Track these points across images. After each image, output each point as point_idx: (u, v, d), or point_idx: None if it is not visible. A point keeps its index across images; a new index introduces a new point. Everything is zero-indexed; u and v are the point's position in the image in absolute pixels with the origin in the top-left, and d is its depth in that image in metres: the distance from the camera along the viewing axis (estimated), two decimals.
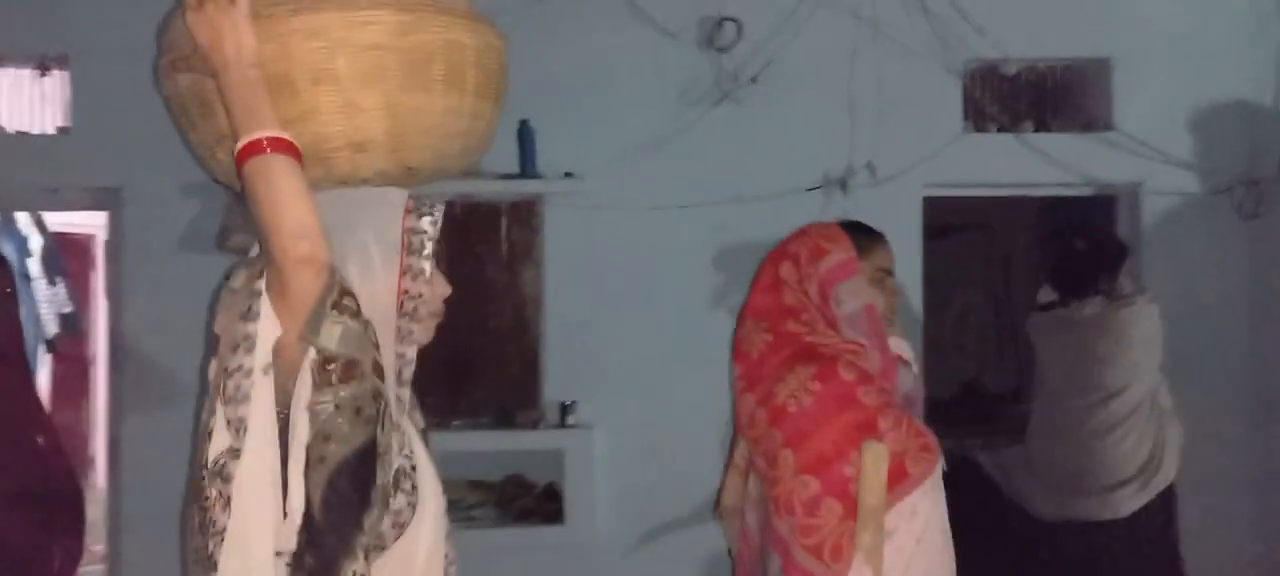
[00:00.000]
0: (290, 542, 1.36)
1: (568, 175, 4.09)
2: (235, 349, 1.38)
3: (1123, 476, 3.41)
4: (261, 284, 1.39)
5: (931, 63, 4.12)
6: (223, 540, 1.37)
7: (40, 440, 2.45)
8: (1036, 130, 4.24)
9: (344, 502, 1.36)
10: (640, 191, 4.05)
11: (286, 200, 1.35)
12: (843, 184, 4.13)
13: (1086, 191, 4.29)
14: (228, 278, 1.46)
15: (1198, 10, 4.14)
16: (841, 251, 2.44)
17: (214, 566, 1.38)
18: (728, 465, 2.64)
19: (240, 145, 1.38)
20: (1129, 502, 3.40)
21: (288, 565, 1.36)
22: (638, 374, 4.14)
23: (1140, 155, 4.11)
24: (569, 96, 4.03)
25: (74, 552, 2.48)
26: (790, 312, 2.41)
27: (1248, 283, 4.12)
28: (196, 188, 4.04)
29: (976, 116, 4.26)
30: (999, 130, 4.25)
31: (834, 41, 4.07)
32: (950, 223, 6.47)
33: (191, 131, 1.65)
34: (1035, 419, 3.63)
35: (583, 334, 4.16)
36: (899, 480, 2.23)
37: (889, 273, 2.54)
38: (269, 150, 1.36)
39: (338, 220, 1.46)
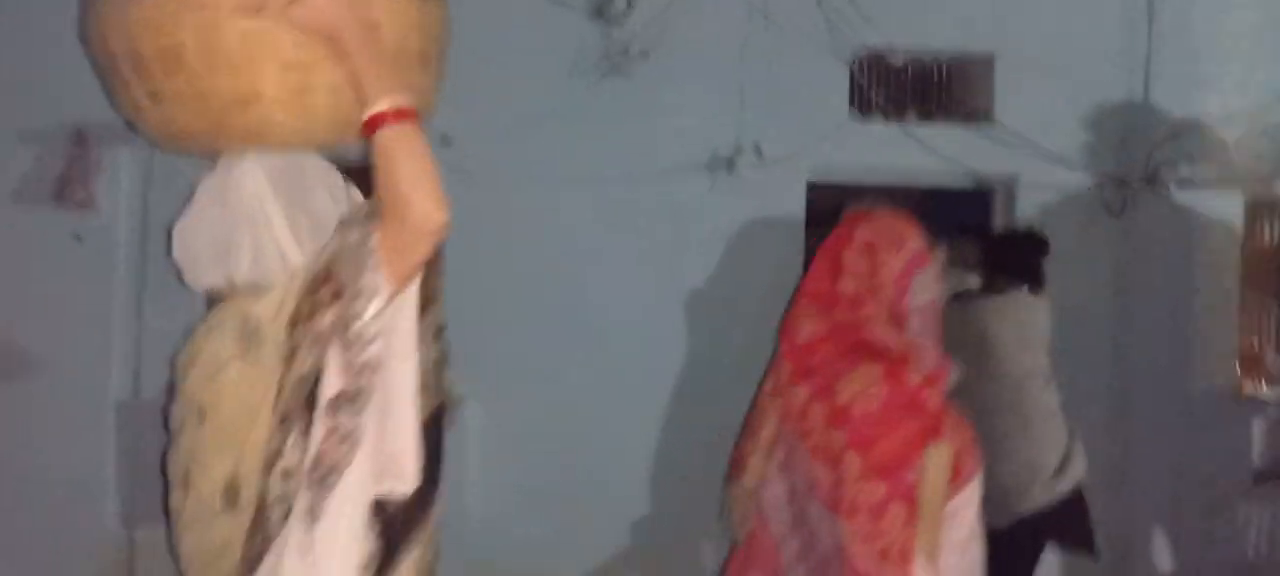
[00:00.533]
0: (411, 484, 1.49)
1: (444, 139, 4.03)
2: (358, 297, 1.44)
3: (1067, 453, 3.61)
4: (376, 241, 1.44)
5: (820, 48, 4.25)
6: (339, 474, 1.44)
7: None
8: (920, 121, 4.40)
9: (433, 448, 1.54)
10: (521, 162, 4.05)
11: (427, 169, 1.43)
12: (729, 164, 4.21)
13: (966, 183, 4.48)
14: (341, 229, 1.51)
15: (1077, 11, 4.40)
16: (916, 241, 2.37)
17: (327, 487, 1.44)
18: (748, 440, 2.55)
19: (378, 109, 1.42)
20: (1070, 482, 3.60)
21: (378, 507, 1.48)
22: (512, 352, 4.13)
23: (1017, 149, 4.33)
24: (450, 60, 3.97)
25: None
26: (847, 302, 2.34)
27: (1111, 277, 4.39)
28: (34, 134, 3.84)
29: (862, 105, 4.40)
30: (884, 119, 4.39)
31: (725, 19, 4.17)
32: (840, 209, 6.68)
33: (196, 76, 1.54)
34: (990, 405, 3.59)
35: (452, 307, 4.12)
36: (954, 477, 2.26)
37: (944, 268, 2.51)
38: (405, 120, 1.44)
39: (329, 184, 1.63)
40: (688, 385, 4.27)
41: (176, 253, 1.64)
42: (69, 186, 3.86)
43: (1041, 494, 3.59)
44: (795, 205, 4.33)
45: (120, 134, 3.81)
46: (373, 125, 1.43)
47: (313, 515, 1.44)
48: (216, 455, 1.51)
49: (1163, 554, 4.38)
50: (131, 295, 4.03)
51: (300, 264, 1.56)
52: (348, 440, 1.44)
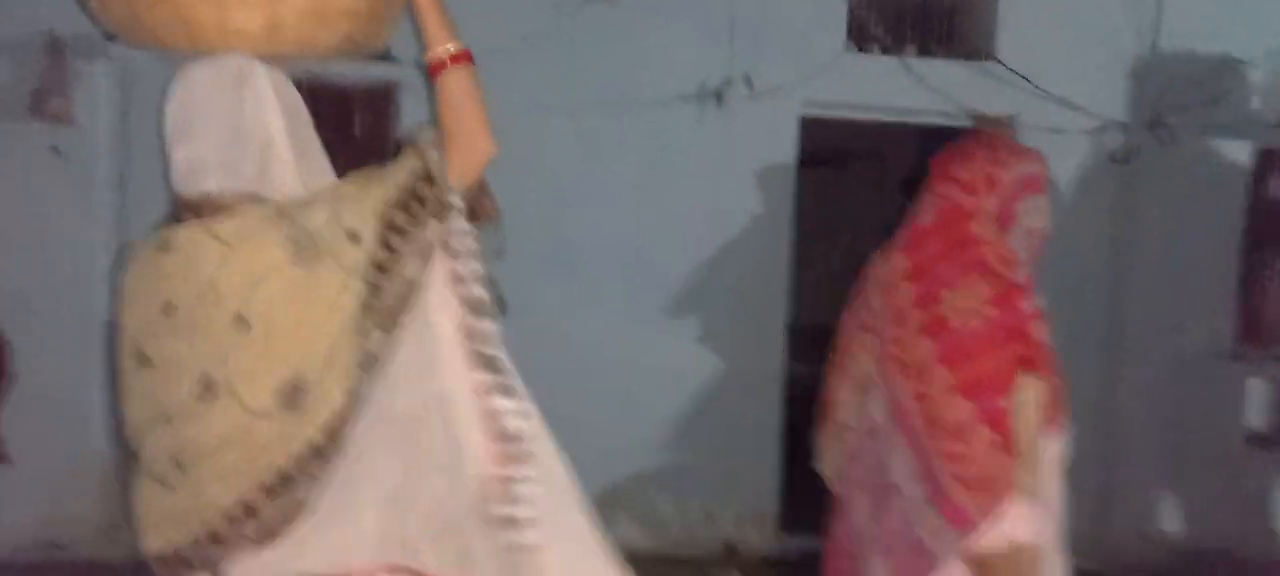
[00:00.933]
0: None
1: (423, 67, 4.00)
2: (454, 214, 1.63)
3: None
4: (449, 166, 1.63)
5: None
6: (503, 358, 1.66)
7: None
8: (920, 55, 4.31)
9: None
10: (506, 90, 3.95)
11: (482, 107, 1.65)
12: (718, 97, 4.16)
13: (965, 122, 4.40)
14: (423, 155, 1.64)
15: None
16: (1040, 166, 2.41)
17: (505, 370, 1.65)
18: (835, 378, 2.56)
19: (452, 51, 1.63)
20: None
21: None
22: (500, 281, 4.13)
23: (1019, 88, 4.24)
24: None
25: None
26: (960, 187, 2.35)
27: (1110, 225, 4.31)
28: (6, 44, 3.85)
29: (860, 37, 4.32)
30: (882, 53, 4.30)
31: None
32: (842, 150, 6.59)
33: None
34: None
35: None
36: (1047, 421, 2.27)
37: None
38: (463, 63, 1.63)
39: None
40: (669, 324, 4.27)
41: (182, 154, 1.67)
42: (45, 98, 3.88)
43: None
44: (787, 141, 4.29)
45: (96, 45, 3.86)
46: (438, 67, 1.63)
47: (485, 394, 1.63)
48: (270, 361, 1.57)
49: (1149, 510, 4.36)
50: (113, 210, 4.07)
51: (294, 175, 1.65)
52: (487, 336, 1.63)
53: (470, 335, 1.63)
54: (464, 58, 1.64)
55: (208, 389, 1.58)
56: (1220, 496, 4.24)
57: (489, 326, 1.64)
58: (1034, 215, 2.35)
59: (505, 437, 1.64)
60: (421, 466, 1.65)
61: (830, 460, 2.58)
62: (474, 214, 1.70)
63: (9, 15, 3.83)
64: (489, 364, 1.64)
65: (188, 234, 1.62)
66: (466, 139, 1.64)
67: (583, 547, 1.73)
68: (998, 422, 2.21)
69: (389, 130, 4.23)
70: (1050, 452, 2.30)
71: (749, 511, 4.39)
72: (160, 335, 1.62)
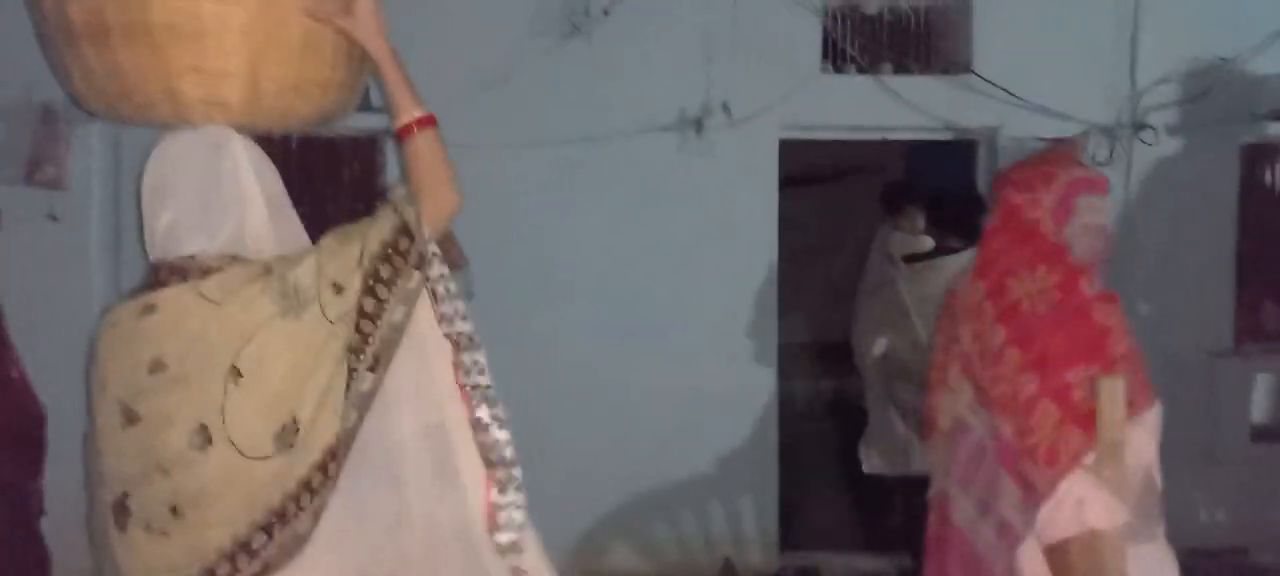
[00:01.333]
0: None
1: None
2: (433, 263, 1.78)
3: None
4: (422, 219, 1.80)
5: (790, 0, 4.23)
6: (491, 388, 1.79)
7: (14, 374, 2.60)
8: (896, 72, 4.38)
9: None
10: (486, 127, 4.11)
11: (447, 165, 1.80)
12: (697, 124, 4.24)
13: (946, 135, 4.46)
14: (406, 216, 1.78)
15: None
16: (1097, 175, 2.56)
17: (490, 400, 1.78)
18: (935, 392, 2.68)
19: (418, 116, 1.78)
20: None
21: None
22: (483, 317, 4.19)
23: (998, 99, 4.29)
24: (409, 24, 4.03)
25: (40, 491, 2.69)
26: (1015, 186, 2.50)
27: None
28: (1, 112, 3.99)
29: (836, 58, 4.39)
30: (858, 71, 4.38)
31: None
32: (845, 166, 6.65)
33: (232, 52, 1.74)
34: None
35: None
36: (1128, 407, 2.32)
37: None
38: (429, 127, 1.78)
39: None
40: (662, 350, 4.31)
41: (164, 219, 1.78)
42: (39, 166, 4.01)
43: None
44: (767, 164, 4.35)
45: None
46: (406, 132, 1.78)
47: (481, 426, 1.77)
48: (265, 408, 1.67)
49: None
50: (109, 270, 4.18)
51: (270, 235, 1.78)
52: (478, 368, 1.78)
53: (464, 370, 1.77)
54: (429, 122, 1.79)
55: (204, 437, 1.67)
56: (1230, 494, 4.21)
57: (480, 358, 1.79)
58: (1089, 212, 2.45)
59: (503, 464, 1.78)
60: (413, 491, 1.76)
61: (937, 467, 2.69)
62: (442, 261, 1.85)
63: (2, 82, 3.97)
64: (484, 396, 1.77)
65: (171, 294, 1.72)
66: (435, 194, 1.79)
67: (546, 563, 1.86)
68: (1062, 397, 2.30)
69: (377, 177, 4.35)
70: (1135, 438, 2.34)
71: (748, 531, 4.40)
72: (149, 392, 1.71)
